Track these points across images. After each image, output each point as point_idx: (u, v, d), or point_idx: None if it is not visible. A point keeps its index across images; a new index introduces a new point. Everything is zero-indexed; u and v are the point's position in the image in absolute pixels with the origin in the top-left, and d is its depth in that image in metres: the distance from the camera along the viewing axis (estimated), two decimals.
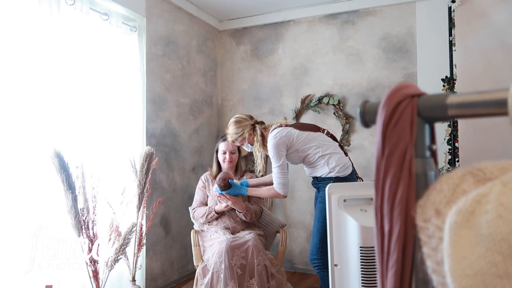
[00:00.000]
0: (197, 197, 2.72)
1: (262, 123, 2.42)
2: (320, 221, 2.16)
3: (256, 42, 3.80)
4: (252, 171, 3.61)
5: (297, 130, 2.25)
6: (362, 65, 3.36)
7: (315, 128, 2.32)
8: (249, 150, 2.47)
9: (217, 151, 2.72)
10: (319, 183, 2.26)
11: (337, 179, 2.18)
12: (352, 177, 2.25)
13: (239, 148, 2.73)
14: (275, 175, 2.24)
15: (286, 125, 2.30)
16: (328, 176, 2.20)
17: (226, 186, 2.45)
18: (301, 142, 2.23)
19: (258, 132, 2.33)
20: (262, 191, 2.38)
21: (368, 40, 3.34)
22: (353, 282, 1.74)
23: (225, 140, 2.67)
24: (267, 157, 3.60)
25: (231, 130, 2.38)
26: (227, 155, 2.65)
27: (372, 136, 3.31)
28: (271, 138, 2.22)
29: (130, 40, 2.84)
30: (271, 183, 2.36)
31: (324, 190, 2.10)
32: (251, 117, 2.41)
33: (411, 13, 3.19)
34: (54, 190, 2.06)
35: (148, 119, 2.97)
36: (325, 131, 2.33)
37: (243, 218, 2.52)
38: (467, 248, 0.36)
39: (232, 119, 2.40)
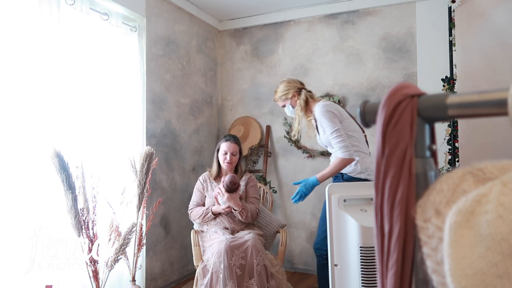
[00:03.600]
0: (194, 197, 2.71)
1: (310, 91, 2.37)
2: None
3: (256, 42, 3.80)
4: (252, 171, 3.61)
5: (347, 113, 2.24)
6: (362, 65, 3.36)
7: (359, 126, 2.29)
8: (289, 114, 2.42)
9: (218, 150, 2.71)
10: (345, 182, 2.18)
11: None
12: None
13: (240, 150, 2.71)
14: (334, 142, 2.10)
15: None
16: (358, 176, 2.14)
17: (234, 189, 2.46)
18: (347, 126, 2.16)
19: (302, 96, 2.29)
20: (331, 168, 2.16)
21: (368, 40, 3.34)
22: (353, 282, 1.74)
23: (228, 140, 2.66)
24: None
25: (279, 89, 2.36)
26: (228, 156, 2.63)
27: (372, 136, 3.31)
28: (322, 106, 2.15)
29: (130, 40, 2.84)
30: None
31: None
32: (301, 83, 2.38)
33: (411, 13, 3.19)
34: (54, 190, 2.06)
35: (148, 119, 2.97)
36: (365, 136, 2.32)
37: (239, 217, 2.51)
38: (467, 248, 0.36)
39: (284, 79, 2.43)
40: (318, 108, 2.16)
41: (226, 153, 2.64)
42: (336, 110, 2.15)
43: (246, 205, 2.55)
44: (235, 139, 2.68)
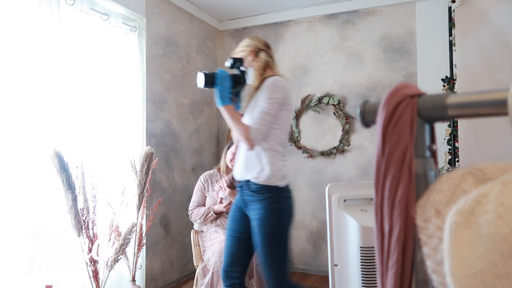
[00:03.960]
0: (195, 197, 2.70)
1: (271, 57, 1.88)
2: (272, 245, 1.70)
3: None
4: None
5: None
6: (362, 65, 3.36)
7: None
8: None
9: (228, 148, 2.68)
10: (254, 194, 1.71)
11: (277, 190, 1.69)
12: (287, 189, 1.77)
13: None
14: (258, 119, 1.66)
15: None
16: (267, 183, 1.67)
17: (235, 186, 2.44)
18: (286, 116, 1.74)
19: (262, 57, 1.81)
20: (239, 120, 1.71)
21: (368, 40, 3.34)
22: (353, 282, 1.74)
23: None
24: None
25: (241, 42, 1.98)
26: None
27: (372, 136, 3.30)
28: (282, 80, 1.74)
29: (130, 40, 2.84)
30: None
31: (259, 209, 1.68)
32: (267, 46, 1.89)
33: (411, 13, 3.19)
34: (54, 190, 2.06)
35: (148, 119, 2.97)
36: None
37: None
38: (467, 248, 0.36)
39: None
40: (276, 78, 1.73)
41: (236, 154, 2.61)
42: (288, 95, 1.74)
43: None
44: None
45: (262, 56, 1.82)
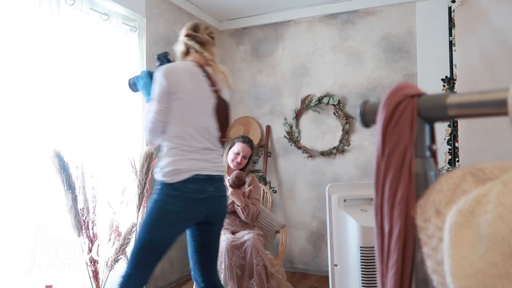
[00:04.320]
0: None
1: (202, 43, 1.71)
2: (142, 233, 1.58)
3: (256, 42, 3.80)
4: (252, 171, 3.61)
5: (203, 92, 1.63)
6: (362, 65, 3.36)
7: (223, 113, 1.70)
8: None
9: (230, 148, 2.68)
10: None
11: (161, 185, 1.56)
12: (177, 187, 1.54)
13: (251, 156, 2.69)
14: (147, 118, 1.59)
15: (201, 66, 1.66)
16: (157, 177, 1.59)
17: (238, 185, 2.44)
18: (182, 105, 1.57)
19: (180, 45, 1.73)
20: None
21: (368, 40, 3.34)
22: (353, 282, 1.74)
23: (244, 142, 2.61)
24: (267, 156, 3.55)
25: None
26: (239, 157, 2.59)
27: (372, 136, 3.30)
28: (165, 67, 1.59)
29: (130, 40, 2.84)
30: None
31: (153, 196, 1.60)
32: (194, 29, 1.72)
33: (411, 13, 3.19)
34: (54, 190, 2.06)
35: None
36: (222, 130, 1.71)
37: (240, 214, 2.51)
38: (467, 248, 0.36)
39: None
40: (162, 67, 1.59)
41: (238, 154, 2.60)
42: (174, 83, 1.55)
43: (248, 203, 2.55)
44: (250, 143, 2.66)
45: (180, 42, 1.73)
